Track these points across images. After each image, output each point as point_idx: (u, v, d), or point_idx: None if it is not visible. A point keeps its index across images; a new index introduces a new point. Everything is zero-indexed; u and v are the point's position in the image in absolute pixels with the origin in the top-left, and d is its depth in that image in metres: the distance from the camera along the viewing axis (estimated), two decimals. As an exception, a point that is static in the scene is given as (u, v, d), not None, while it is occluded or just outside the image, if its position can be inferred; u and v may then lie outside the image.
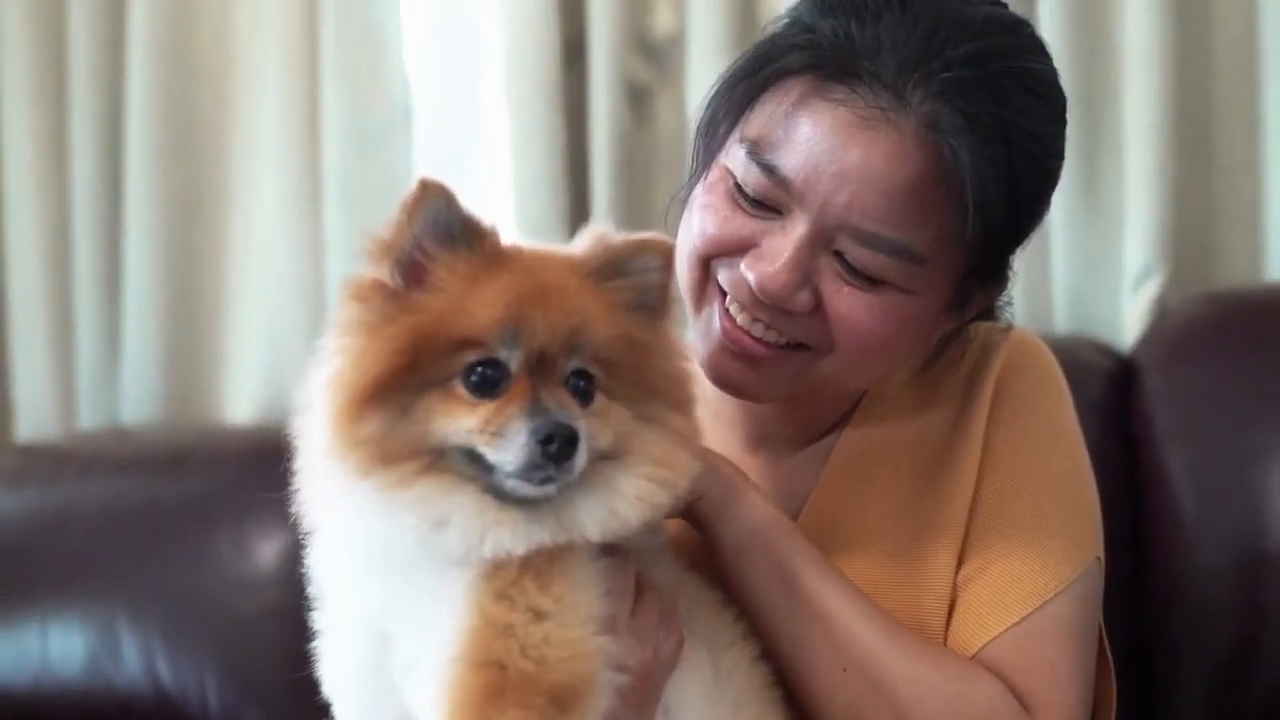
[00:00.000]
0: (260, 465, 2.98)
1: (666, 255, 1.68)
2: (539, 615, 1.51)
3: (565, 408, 1.53)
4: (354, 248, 3.27)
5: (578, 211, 3.33)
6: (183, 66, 3.58)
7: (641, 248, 1.65)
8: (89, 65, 3.60)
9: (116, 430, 3.56)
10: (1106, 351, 2.90)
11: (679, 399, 1.66)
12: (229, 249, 3.60)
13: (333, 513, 1.61)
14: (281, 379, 3.50)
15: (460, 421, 1.51)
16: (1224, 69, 3.06)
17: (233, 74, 3.60)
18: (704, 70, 3.19)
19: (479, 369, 1.53)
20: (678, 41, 3.33)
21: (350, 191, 3.45)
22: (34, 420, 3.67)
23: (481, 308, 1.53)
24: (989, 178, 1.72)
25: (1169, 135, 2.98)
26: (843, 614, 1.78)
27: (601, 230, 1.65)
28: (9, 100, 3.66)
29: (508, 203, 3.32)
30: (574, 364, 1.56)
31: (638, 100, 3.37)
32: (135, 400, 3.59)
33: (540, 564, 1.53)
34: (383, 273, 1.55)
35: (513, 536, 1.51)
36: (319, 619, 1.68)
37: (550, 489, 1.52)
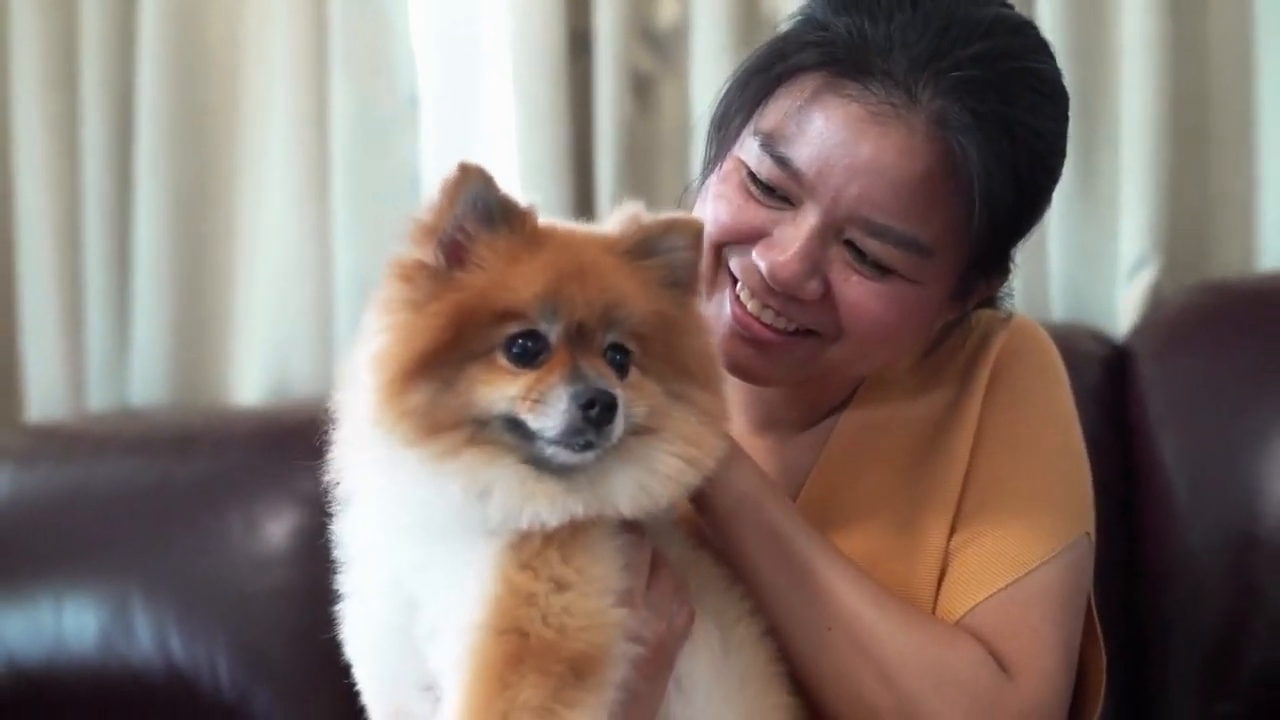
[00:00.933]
0: (268, 447, 3.10)
1: (696, 234, 1.72)
2: (561, 585, 1.56)
3: (604, 376, 1.57)
4: (361, 235, 3.35)
5: (583, 200, 3.36)
6: (192, 55, 3.61)
7: (672, 226, 1.69)
8: (100, 51, 3.63)
9: (126, 412, 3.59)
10: (1102, 339, 2.93)
11: (708, 377, 1.70)
12: (238, 234, 3.63)
13: (371, 480, 1.65)
14: (289, 363, 3.54)
15: (503, 390, 1.56)
16: (1219, 62, 3.09)
17: (242, 63, 3.63)
18: (708, 61, 3.22)
19: (520, 340, 1.57)
20: (682, 32, 3.35)
21: (357, 179, 3.48)
22: (44, 401, 3.69)
23: (522, 282, 1.57)
24: (995, 173, 1.77)
25: (1164, 127, 3.01)
26: (829, 576, 1.82)
27: (634, 210, 1.69)
28: (21, 87, 3.69)
29: (513, 192, 3.33)
30: (611, 338, 1.61)
31: (642, 90, 3.40)
32: (144, 382, 3.61)
33: (564, 537, 1.57)
34: (426, 253, 1.59)
35: (549, 508, 1.56)
36: (344, 582, 1.71)
37: (589, 456, 1.56)
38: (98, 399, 3.66)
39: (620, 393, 1.57)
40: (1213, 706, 2.66)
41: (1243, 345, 2.76)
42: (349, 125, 3.48)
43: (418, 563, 1.62)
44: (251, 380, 3.60)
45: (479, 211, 1.59)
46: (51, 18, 3.67)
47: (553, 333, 1.58)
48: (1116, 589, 2.58)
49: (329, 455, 1.68)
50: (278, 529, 3.00)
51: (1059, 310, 3.11)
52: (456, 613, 1.57)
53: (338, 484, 1.69)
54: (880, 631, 1.81)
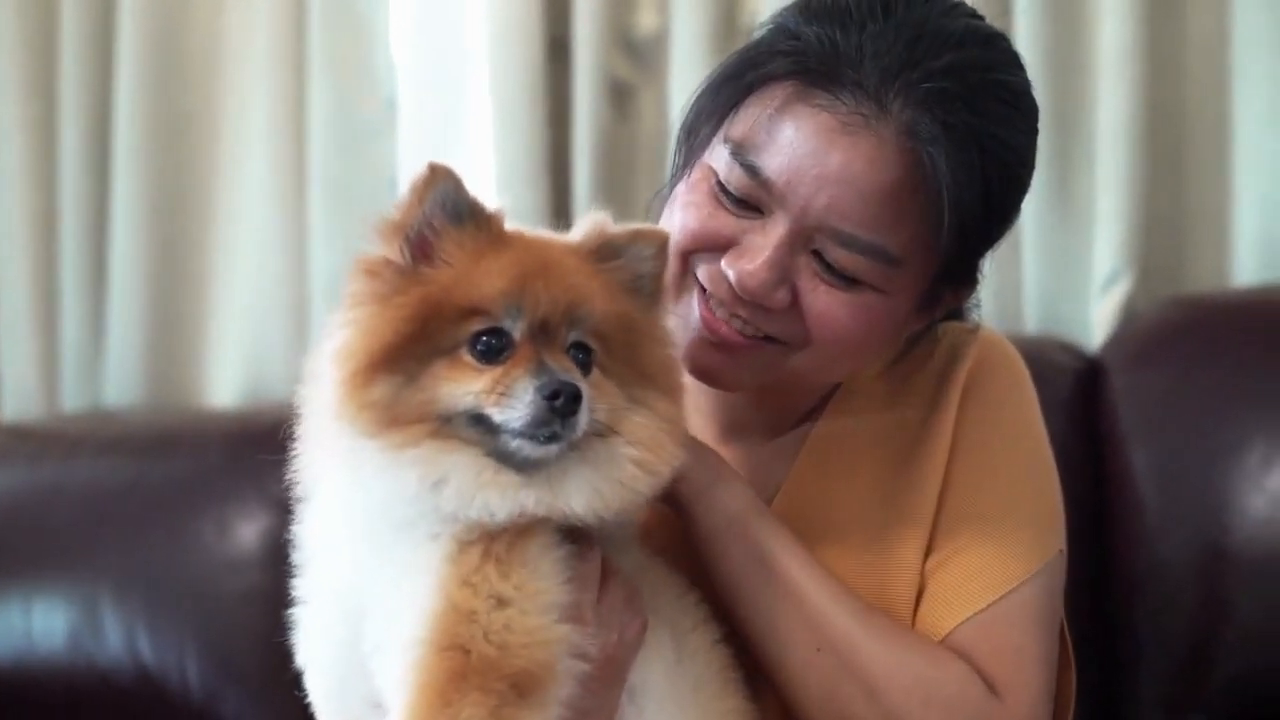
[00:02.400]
0: (243, 448, 3.08)
1: (661, 245, 1.73)
2: (501, 602, 1.56)
3: (568, 370, 1.59)
4: (338, 238, 3.35)
5: (559, 208, 3.36)
6: (171, 57, 3.60)
7: (637, 236, 1.71)
8: (78, 54, 3.62)
9: (100, 412, 3.58)
10: (1074, 352, 2.93)
11: (669, 385, 1.71)
12: (214, 237, 3.62)
13: (331, 476, 1.66)
14: (264, 365, 3.54)
15: (467, 386, 1.57)
16: (1195, 75, 3.10)
17: (220, 66, 3.62)
18: (686, 69, 3.22)
19: (484, 337, 1.58)
20: (661, 40, 3.36)
21: (335, 184, 3.48)
22: (18, 401, 3.67)
23: (487, 279, 1.59)
24: (964, 185, 1.76)
25: (1140, 139, 3.02)
26: (816, 596, 1.82)
27: (599, 218, 1.71)
28: (-2, 89, 3.68)
29: (490, 196, 3.33)
30: (574, 336, 1.62)
31: (620, 98, 3.40)
32: (119, 383, 3.60)
33: (501, 552, 1.57)
34: (393, 250, 1.61)
35: (500, 499, 1.56)
36: (299, 586, 1.71)
37: (553, 448, 1.57)
38: (72, 400, 3.65)
39: (585, 386, 1.58)
40: (1184, 718, 2.67)
41: (1216, 360, 2.77)
42: (327, 129, 3.48)
43: (370, 568, 1.62)
44: (227, 382, 3.59)
45: (447, 210, 1.61)
46: (30, 20, 3.65)
47: (517, 329, 1.59)
48: (1087, 601, 2.59)
49: (281, 455, 1.69)
50: (250, 531, 3.00)
51: (1032, 322, 3.11)
52: (400, 627, 1.57)
53: (298, 481, 1.70)
54: (869, 651, 1.81)
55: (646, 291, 1.72)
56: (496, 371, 1.57)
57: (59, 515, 3.13)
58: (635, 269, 1.71)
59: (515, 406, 1.56)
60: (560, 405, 1.55)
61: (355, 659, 1.63)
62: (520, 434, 1.56)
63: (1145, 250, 3.04)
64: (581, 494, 1.60)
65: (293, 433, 1.69)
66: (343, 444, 1.60)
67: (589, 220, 1.71)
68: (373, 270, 1.61)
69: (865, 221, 1.77)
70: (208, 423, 3.36)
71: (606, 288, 1.66)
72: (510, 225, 1.66)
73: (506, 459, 1.58)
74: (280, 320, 3.53)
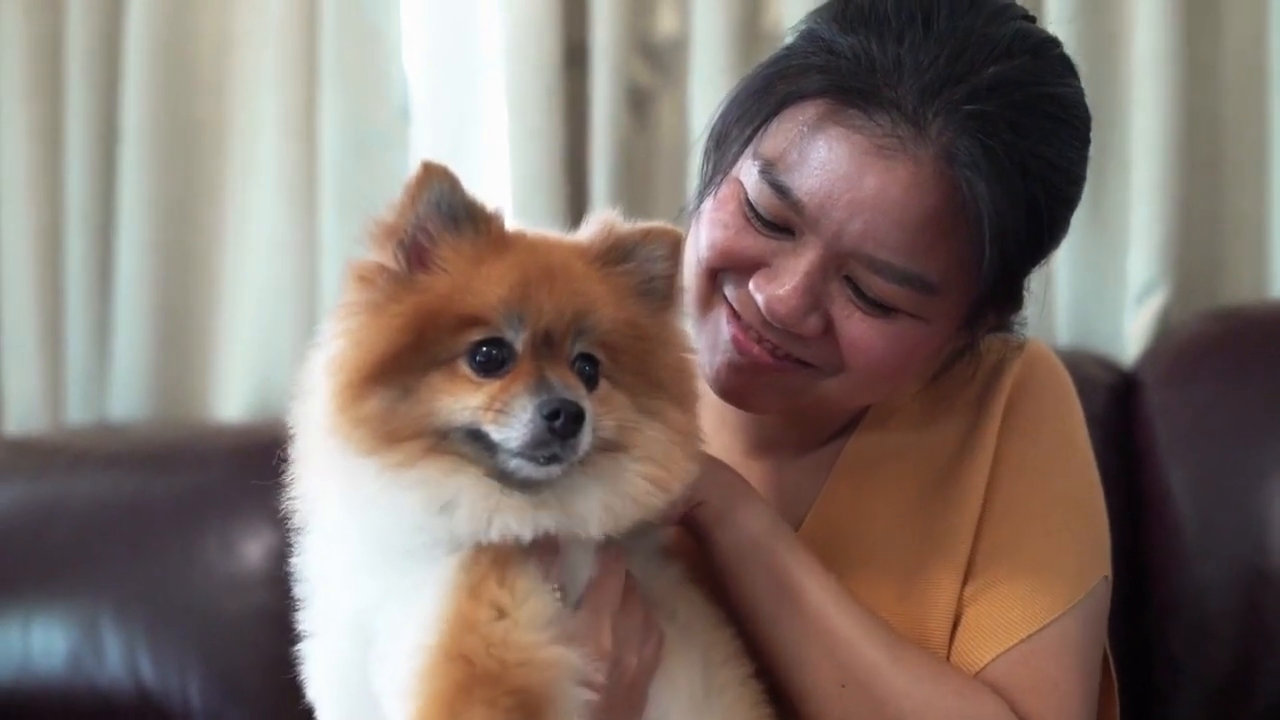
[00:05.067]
0: (249, 464, 2.97)
1: (674, 244, 1.65)
2: (500, 613, 1.50)
3: (571, 387, 1.51)
4: (349, 250, 3.30)
5: (576, 216, 3.27)
6: (180, 65, 3.56)
7: (648, 236, 1.64)
8: (85, 62, 3.58)
9: (105, 426, 3.54)
10: (1109, 366, 2.88)
11: (681, 393, 1.63)
12: (222, 248, 3.58)
13: (330, 504, 1.59)
14: (272, 379, 3.48)
15: (464, 400, 1.50)
16: (1233, 84, 3.05)
17: (230, 74, 3.58)
18: (707, 75, 3.18)
19: (483, 348, 1.52)
20: (681, 45, 3.31)
21: (347, 193, 3.43)
22: (21, 414, 3.64)
23: (487, 286, 1.52)
24: (1007, 211, 1.69)
25: (1176, 150, 2.97)
26: (844, 627, 1.76)
27: (608, 217, 1.64)
28: (4, 96, 3.64)
29: (506, 206, 3.29)
30: (580, 347, 1.55)
31: (639, 104, 3.36)
32: (124, 396, 3.56)
33: (504, 557, 1.52)
34: (386, 255, 1.54)
35: (519, 521, 1.50)
36: (305, 620, 1.65)
37: (554, 470, 1.50)
38: (77, 413, 3.61)
39: (588, 404, 1.51)
40: (1221, 746, 2.61)
41: (1254, 373, 2.72)
42: (339, 138, 3.44)
43: (377, 595, 1.56)
44: (234, 396, 3.55)
45: (442, 212, 1.54)
46: (37, 24, 3.62)
47: (518, 340, 1.53)
48: (1121, 624, 2.50)
49: (287, 473, 1.63)
50: (255, 548, 2.95)
51: (1065, 336, 3.06)
52: (407, 634, 1.51)
53: (295, 509, 1.63)
54: (899, 687, 1.75)
55: (659, 294, 1.64)
56: (495, 386, 1.50)
57: (60, 531, 3.09)
58: (647, 271, 1.63)
59: (513, 425, 1.49)
60: (560, 426, 1.48)
61: (367, 691, 1.57)
62: (518, 454, 1.49)
63: (1182, 261, 2.99)
64: (594, 513, 1.54)
65: (288, 455, 1.62)
66: (338, 464, 1.53)
67: (596, 220, 1.64)
68: (366, 277, 1.55)
69: (901, 249, 1.70)
70: (214, 437, 3.32)
71: (615, 293, 1.59)
72: (512, 225, 1.59)
73: (507, 478, 1.51)
74: (289, 333, 3.48)
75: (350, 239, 3.28)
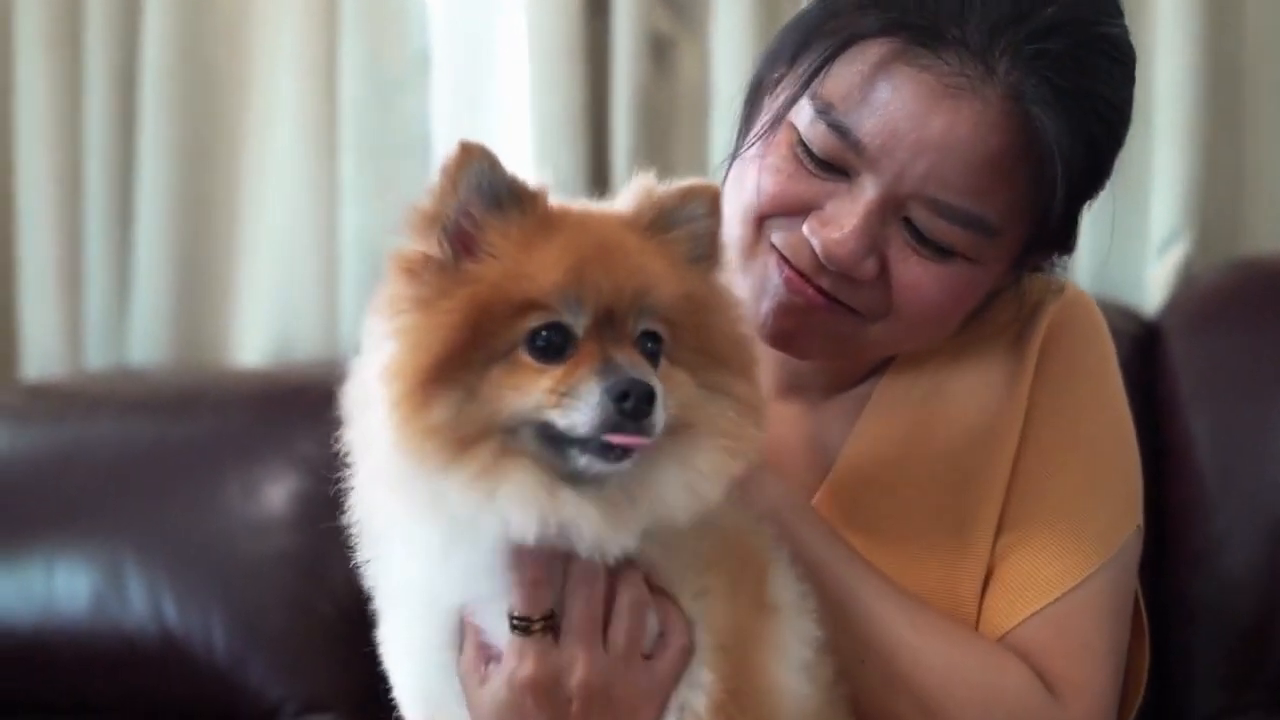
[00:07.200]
0: (269, 408, 3.05)
1: (713, 199, 1.58)
2: None
3: (638, 366, 1.44)
4: (369, 193, 3.30)
5: (597, 163, 3.30)
6: (199, 9, 3.54)
7: (689, 195, 1.56)
8: (104, 7, 3.55)
9: (125, 371, 3.53)
10: (1131, 316, 2.87)
11: (742, 363, 1.56)
12: (242, 193, 3.57)
13: (408, 527, 1.53)
14: (292, 324, 3.49)
15: (529, 390, 1.42)
16: (1255, 31, 3.04)
17: (249, 18, 3.56)
18: (728, 22, 3.17)
19: (543, 333, 1.43)
20: (703, -8, 3.28)
21: (366, 138, 3.41)
22: (41, 359, 3.63)
23: (541, 270, 1.44)
24: (1074, 149, 1.68)
25: (1199, 99, 2.96)
26: (863, 601, 1.74)
27: (645, 182, 1.56)
28: (23, 42, 3.62)
29: (526, 154, 3.29)
30: (643, 325, 1.48)
31: (660, 51, 3.32)
32: (144, 341, 3.55)
33: None
34: (430, 245, 1.46)
35: (629, 534, 1.45)
36: (386, 629, 1.62)
37: (625, 464, 1.43)
38: (96, 358, 3.60)
39: (658, 383, 1.43)
40: (1239, 697, 2.61)
41: (1276, 323, 2.72)
42: (358, 82, 3.41)
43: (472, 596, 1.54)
44: (254, 341, 3.54)
45: (485, 194, 1.46)
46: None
47: (579, 323, 1.44)
48: (1143, 572, 2.50)
49: (349, 492, 1.57)
50: (277, 493, 2.93)
51: (1087, 285, 2.98)
52: None
53: (361, 534, 1.59)
54: (922, 660, 1.74)
55: (705, 255, 1.57)
56: (559, 371, 1.43)
57: (81, 476, 3.08)
58: (692, 232, 1.56)
59: (580, 409, 1.40)
60: (630, 407, 1.40)
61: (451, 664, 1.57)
62: (586, 445, 1.42)
63: (1204, 211, 2.98)
64: (679, 500, 1.47)
65: (330, 401, 1.54)
66: (417, 486, 1.45)
67: (636, 186, 1.56)
68: (411, 269, 1.46)
69: (966, 190, 1.69)
70: (234, 382, 3.31)
71: (672, 265, 1.52)
72: (553, 200, 1.52)
73: (578, 479, 1.44)
74: (309, 277, 3.47)
75: (370, 182, 3.34)
